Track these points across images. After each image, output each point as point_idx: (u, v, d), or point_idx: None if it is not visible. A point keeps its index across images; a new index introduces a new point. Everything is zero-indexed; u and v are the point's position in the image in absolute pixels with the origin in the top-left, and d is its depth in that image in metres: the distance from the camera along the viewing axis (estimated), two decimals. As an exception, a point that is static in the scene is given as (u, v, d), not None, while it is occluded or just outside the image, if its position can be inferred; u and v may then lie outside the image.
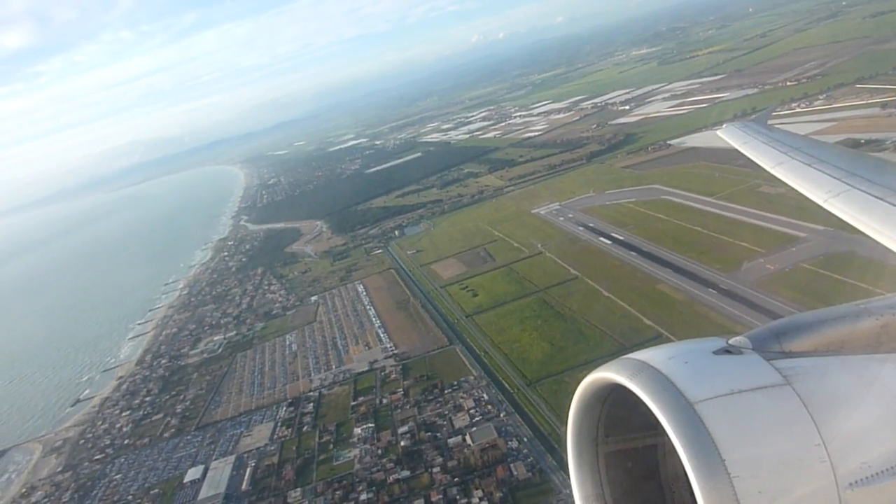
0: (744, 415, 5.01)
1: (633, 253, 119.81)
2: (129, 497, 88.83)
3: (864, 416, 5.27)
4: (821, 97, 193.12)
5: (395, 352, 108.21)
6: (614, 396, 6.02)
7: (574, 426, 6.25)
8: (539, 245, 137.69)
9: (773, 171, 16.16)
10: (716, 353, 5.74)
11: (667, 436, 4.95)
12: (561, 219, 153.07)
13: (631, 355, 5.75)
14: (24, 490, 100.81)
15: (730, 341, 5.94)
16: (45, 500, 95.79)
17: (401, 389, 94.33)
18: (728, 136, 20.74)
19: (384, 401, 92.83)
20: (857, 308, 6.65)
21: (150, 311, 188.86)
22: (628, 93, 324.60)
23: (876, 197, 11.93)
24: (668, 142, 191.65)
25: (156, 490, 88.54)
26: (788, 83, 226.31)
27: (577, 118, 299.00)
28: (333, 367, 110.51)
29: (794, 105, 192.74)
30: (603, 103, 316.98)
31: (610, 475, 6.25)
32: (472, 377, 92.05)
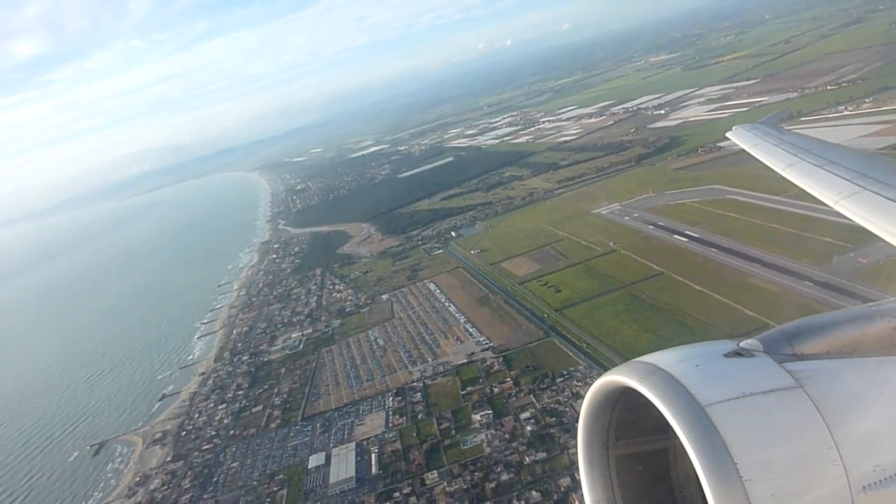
0: (755, 418, 5.03)
1: (713, 249, 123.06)
2: (254, 482, 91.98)
3: (877, 419, 5.26)
4: (867, 100, 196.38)
5: (491, 345, 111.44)
6: (625, 400, 6.04)
7: (585, 429, 6.30)
8: (611, 243, 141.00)
9: (783, 173, 16.24)
10: (727, 355, 5.80)
11: (678, 439, 4.97)
12: (626, 218, 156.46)
13: (641, 358, 5.86)
14: (137, 479, 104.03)
15: (741, 344, 6.04)
16: (164, 487, 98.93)
17: (509, 379, 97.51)
18: (737, 138, 20.93)
19: (495, 390, 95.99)
20: (868, 310, 6.69)
21: (210, 311, 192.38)
22: (658, 98, 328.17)
23: (887, 198, 11.95)
24: (718, 144, 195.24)
25: (280, 476, 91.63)
26: (829, 87, 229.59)
27: (612, 122, 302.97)
28: (429, 359, 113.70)
29: (841, 108, 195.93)
30: (634, 108, 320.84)
31: (621, 478, 6.27)
32: (581, 366, 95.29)
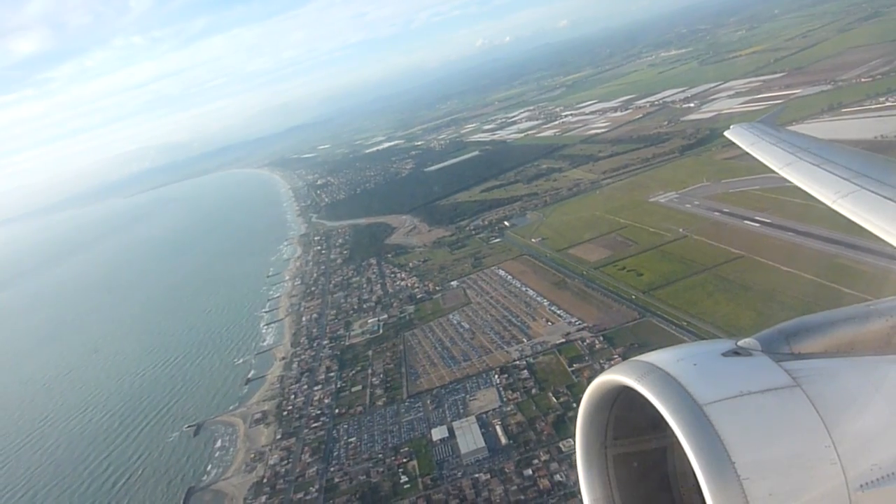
0: (753, 416, 5.10)
1: (788, 233, 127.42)
2: (379, 455, 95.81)
3: (874, 418, 5.35)
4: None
5: (586, 325, 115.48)
6: (623, 399, 6.11)
7: (583, 428, 6.39)
8: (680, 229, 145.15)
9: (781, 172, 16.45)
10: (724, 354, 5.89)
11: (676, 438, 5.04)
12: (687, 206, 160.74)
13: (639, 357, 5.96)
14: (252, 455, 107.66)
15: (739, 343, 6.11)
16: (284, 462, 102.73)
17: (617, 356, 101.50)
18: (735, 137, 21.19)
19: (605, 366, 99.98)
20: (866, 309, 6.79)
21: (268, 300, 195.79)
22: (683, 91, 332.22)
23: (884, 197, 12.06)
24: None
25: (405, 448, 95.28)
26: (863, 79, 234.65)
27: (640, 116, 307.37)
28: (524, 340, 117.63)
29: (882, 99, 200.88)
30: (660, 102, 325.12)
31: (619, 477, 6.36)
32: (688, 342, 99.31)
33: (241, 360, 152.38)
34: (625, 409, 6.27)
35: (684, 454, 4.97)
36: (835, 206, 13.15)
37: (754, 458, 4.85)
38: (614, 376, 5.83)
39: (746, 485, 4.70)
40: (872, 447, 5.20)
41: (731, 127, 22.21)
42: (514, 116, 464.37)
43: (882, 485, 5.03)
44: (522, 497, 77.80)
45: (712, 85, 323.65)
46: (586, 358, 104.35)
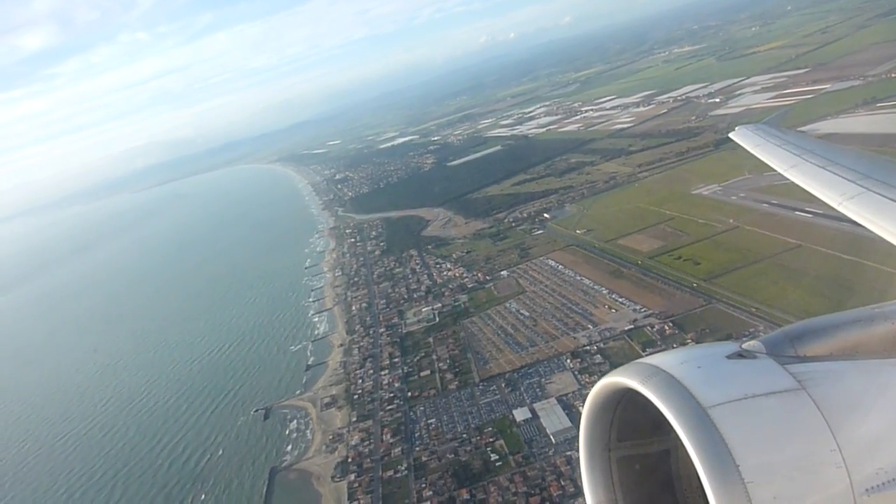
0: (758, 420, 5.14)
1: (844, 223, 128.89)
2: (463, 435, 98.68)
3: (879, 421, 5.36)
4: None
5: (652, 312, 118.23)
6: (627, 401, 6.17)
7: (586, 431, 6.43)
8: (730, 220, 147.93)
9: (786, 174, 16.55)
10: (729, 357, 5.95)
11: (680, 441, 5.10)
12: (733, 198, 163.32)
13: (643, 360, 6.08)
14: (331, 437, 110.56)
15: (743, 345, 6.18)
16: (365, 442, 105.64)
17: (690, 340, 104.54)
18: (740, 139, 21.36)
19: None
20: (871, 312, 6.80)
21: (312, 291, 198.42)
22: (705, 87, 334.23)
23: (891, 199, 12.10)
24: (799, 129, 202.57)
25: (488, 428, 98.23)
26: (893, 74, 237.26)
27: (665, 111, 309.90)
28: (589, 326, 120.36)
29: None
30: (683, 97, 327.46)
31: (622, 480, 6.37)
32: (760, 327, 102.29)
33: (296, 348, 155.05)
34: (628, 411, 6.32)
35: (688, 457, 5.03)
36: (840, 209, 13.21)
37: (759, 462, 4.87)
38: (618, 378, 5.93)
39: (751, 488, 4.74)
40: (878, 451, 5.21)
41: (736, 128, 22.71)
42: (530, 112, 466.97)
43: (887, 489, 5.03)
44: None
45: (735, 80, 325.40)
46: (659, 343, 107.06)
